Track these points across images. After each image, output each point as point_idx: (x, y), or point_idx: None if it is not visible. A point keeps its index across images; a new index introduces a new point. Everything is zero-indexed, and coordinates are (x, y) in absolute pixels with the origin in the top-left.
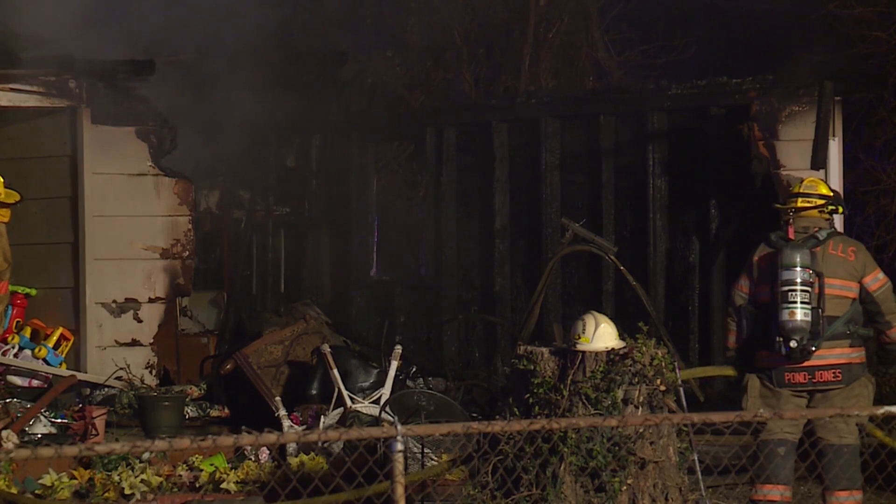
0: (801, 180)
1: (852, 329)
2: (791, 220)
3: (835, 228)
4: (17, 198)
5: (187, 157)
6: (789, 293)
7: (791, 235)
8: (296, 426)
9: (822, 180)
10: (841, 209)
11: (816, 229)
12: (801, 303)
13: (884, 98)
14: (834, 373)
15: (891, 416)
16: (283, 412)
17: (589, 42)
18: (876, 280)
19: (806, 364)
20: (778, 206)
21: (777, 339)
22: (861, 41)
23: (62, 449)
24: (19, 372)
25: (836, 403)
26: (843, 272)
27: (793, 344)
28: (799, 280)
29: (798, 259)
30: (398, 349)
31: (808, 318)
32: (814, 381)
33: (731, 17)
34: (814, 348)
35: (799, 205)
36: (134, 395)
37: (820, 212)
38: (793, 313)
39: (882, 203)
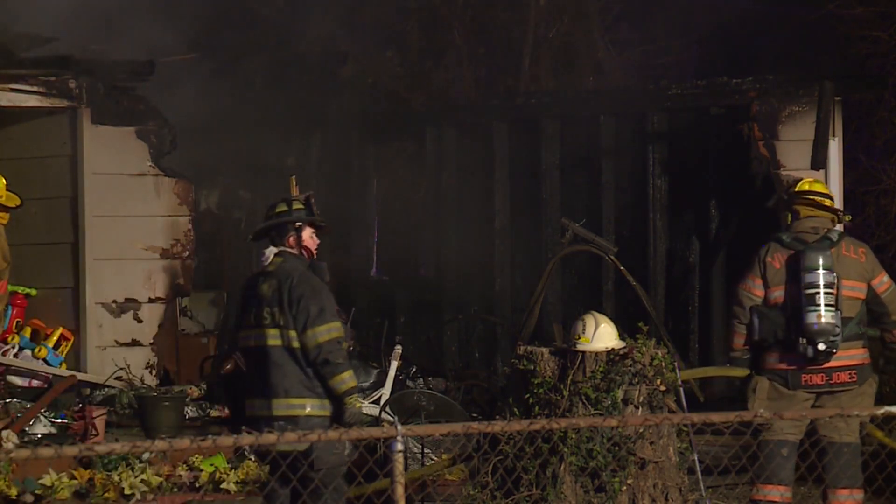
0: (804, 181)
1: (863, 329)
2: (793, 222)
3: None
4: (18, 202)
5: (187, 157)
6: (815, 296)
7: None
8: None
9: (818, 181)
10: (849, 218)
11: (826, 230)
12: (826, 305)
13: (884, 98)
14: (850, 374)
15: (891, 416)
16: None
17: (589, 42)
18: (882, 283)
19: (825, 366)
20: (795, 206)
21: (801, 341)
22: (861, 41)
23: (62, 449)
24: (19, 372)
25: (842, 401)
26: (855, 273)
27: (821, 346)
28: (822, 282)
29: (821, 261)
30: (398, 349)
31: (834, 321)
32: (831, 382)
33: (731, 17)
34: (834, 350)
35: (817, 202)
36: (134, 395)
37: (832, 212)
38: (819, 315)
39: (882, 203)
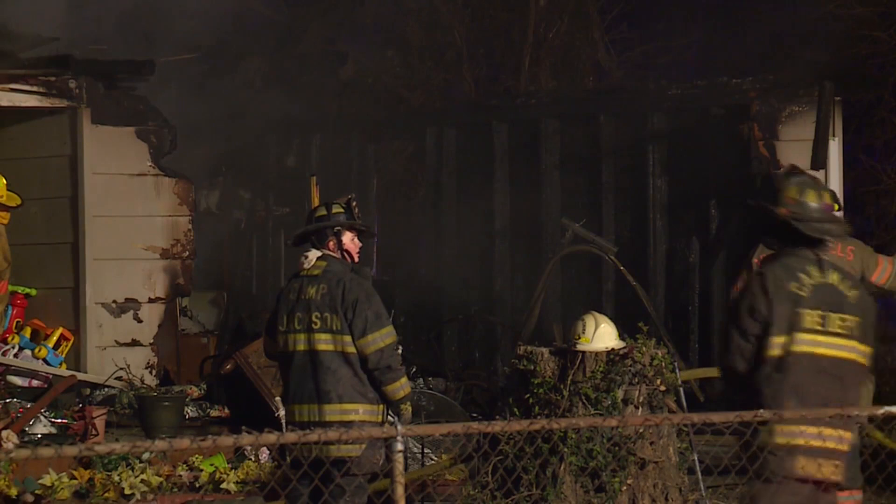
0: None
1: None
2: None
3: None
4: (18, 202)
5: (187, 157)
6: None
7: None
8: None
9: None
10: (837, 206)
11: None
12: None
13: (884, 98)
14: None
15: (891, 416)
16: (283, 412)
17: (589, 42)
18: (883, 272)
19: None
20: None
21: None
22: (861, 41)
23: (62, 449)
24: (19, 372)
25: None
26: None
27: None
28: None
29: None
30: (398, 349)
31: None
32: None
33: (731, 17)
34: None
35: None
36: (134, 395)
37: None
38: None
39: (882, 203)
